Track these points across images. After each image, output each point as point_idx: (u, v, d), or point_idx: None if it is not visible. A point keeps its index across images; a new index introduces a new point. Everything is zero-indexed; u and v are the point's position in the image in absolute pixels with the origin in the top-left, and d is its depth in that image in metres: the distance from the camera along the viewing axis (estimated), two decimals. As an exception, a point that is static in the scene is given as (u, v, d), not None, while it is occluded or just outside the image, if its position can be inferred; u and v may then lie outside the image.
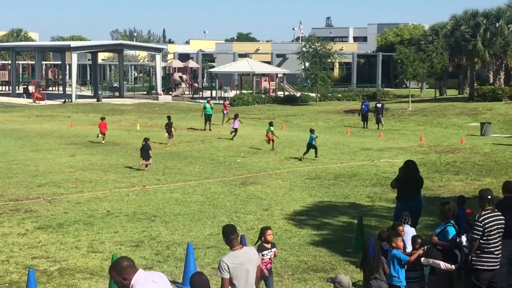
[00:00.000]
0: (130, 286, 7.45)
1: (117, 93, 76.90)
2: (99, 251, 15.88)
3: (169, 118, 37.44)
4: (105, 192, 22.85)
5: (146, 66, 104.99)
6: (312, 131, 31.47)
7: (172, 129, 35.95)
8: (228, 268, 9.21)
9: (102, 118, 37.43)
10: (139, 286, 7.44)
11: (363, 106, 47.55)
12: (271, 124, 34.94)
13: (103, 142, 35.77)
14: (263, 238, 11.92)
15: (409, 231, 12.96)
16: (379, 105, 46.56)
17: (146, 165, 27.41)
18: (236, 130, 38.63)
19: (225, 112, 47.80)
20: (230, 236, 9.51)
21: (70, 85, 72.52)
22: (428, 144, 36.49)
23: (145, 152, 27.48)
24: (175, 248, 16.14)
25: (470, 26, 57.80)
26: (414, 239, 12.03)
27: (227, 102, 52.89)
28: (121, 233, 17.48)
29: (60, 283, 13.70)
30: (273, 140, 34.17)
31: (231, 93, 71.75)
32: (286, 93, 73.31)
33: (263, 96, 69.23)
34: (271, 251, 11.93)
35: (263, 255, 11.78)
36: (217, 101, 65.94)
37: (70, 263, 14.92)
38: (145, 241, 16.73)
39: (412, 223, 15.18)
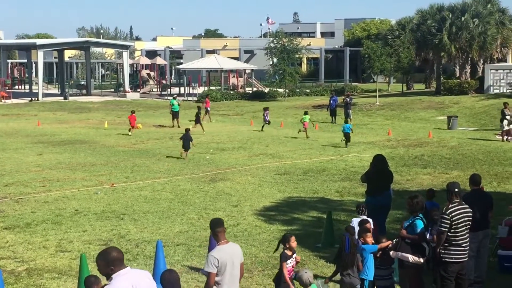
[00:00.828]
0: (110, 278, 7.38)
1: (84, 91, 76.32)
2: (67, 250, 15.75)
3: (198, 108, 41.98)
4: (73, 190, 22.67)
5: (113, 63, 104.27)
6: (346, 121, 35.39)
7: (200, 116, 40.53)
8: (218, 263, 9.17)
9: (132, 112, 40.21)
10: (113, 286, 7.37)
11: (331, 101, 47.76)
12: (306, 113, 38.82)
13: (130, 134, 38.18)
14: (287, 245, 11.25)
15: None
16: (348, 99, 46.77)
17: (186, 154, 29.49)
18: (268, 122, 41.39)
19: (208, 108, 47.60)
20: (216, 229, 9.44)
21: (37, 84, 71.85)
22: (396, 138, 36.71)
23: (186, 141, 29.46)
24: (145, 246, 16.06)
25: (436, 21, 58.25)
26: (378, 239, 12.06)
27: (209, 98, 52.18)
28: (90, 232, 17.36)
29: (28, 283, 13.55)
30: (305, 128, 37.09)
31: (199, 90, 71.54)
32: (255, 89, 73.29)
33: (231, 92, 69.18)
34: (293, 259, 11.32)
35: (286, 264, 11.19)
36: (185, 98, 65.77)
37: (38, 263, 14.77)
38: (114, 240, 16.61)
39: (382, 217, 15.32)
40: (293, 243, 11.23)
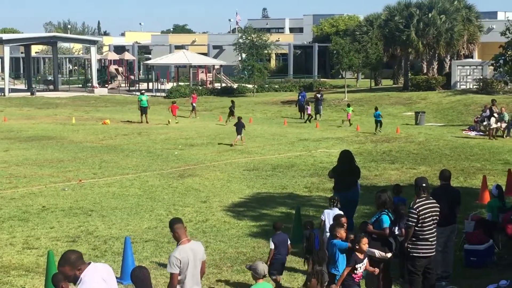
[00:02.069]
0: (79, 279, 7.30)
1: (51, 86, 75.60)
2: (34, 247, 15.62)
3: (232, 102, 43.53)
4: (40, 187, 22.48)
5: (81, 58, 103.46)
6: (376, 108, 38.50)
7: (233, 110, 41.64)
8: (180, 263, 9.11)
9: (173, 102, 44.58)
10: (87, 285, 7.29)
11: (300, 97, 47.82)
12: (348, 105, 43.06)
13: (173, 122, 41.82)
14: (357, 246, 10.72)
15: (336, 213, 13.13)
16: (318, 95, 46.88)
17: (241, 138, 32.16)
18: (310, 115, 44.02)
19: (193, 104, 47.35)
20: (175, 226, 9.28)
21: (3, 79, 71.02)
22: (364, 133, 36.90)
23: (240, 128, 31.99)
24: (113, 242, 15.99)
25: (403, 17, 58.54)
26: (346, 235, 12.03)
27: (196, 94, 51.76)
28: (57, 229, 17.23)
29: (-5, 281, 13.43)
30: (349, 119, 40.96)
31: (168, 85, 71.24)
32: (223, 84, 73.17)
33: (200, 88, 68.99)
34: (364, 264, 10.73)
35: (355, 268, 10.57)
36: (153, 94, 65.44)
37: (5, 260, 14.64)
38: (82, 236, 16.53)
39: (349, 212, 15.35)
40: (365, 245, 10.72)
